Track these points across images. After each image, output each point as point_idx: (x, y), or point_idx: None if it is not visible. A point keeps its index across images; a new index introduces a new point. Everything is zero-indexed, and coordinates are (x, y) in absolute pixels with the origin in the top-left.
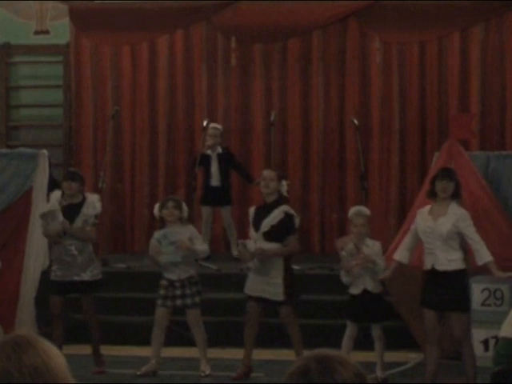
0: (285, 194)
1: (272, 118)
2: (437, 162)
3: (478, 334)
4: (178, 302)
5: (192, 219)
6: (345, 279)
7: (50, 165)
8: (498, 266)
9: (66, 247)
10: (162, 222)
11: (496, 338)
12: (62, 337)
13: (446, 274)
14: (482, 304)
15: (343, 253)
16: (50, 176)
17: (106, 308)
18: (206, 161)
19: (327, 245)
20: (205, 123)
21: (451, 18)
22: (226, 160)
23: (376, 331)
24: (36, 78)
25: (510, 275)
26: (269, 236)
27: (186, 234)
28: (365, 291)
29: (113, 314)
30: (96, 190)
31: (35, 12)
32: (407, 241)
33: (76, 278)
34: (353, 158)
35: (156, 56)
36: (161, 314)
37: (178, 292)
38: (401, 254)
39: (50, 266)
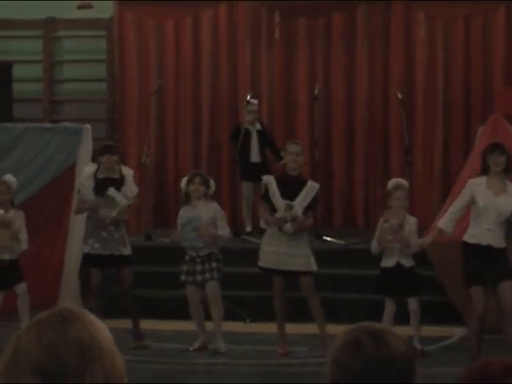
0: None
1: (316, 92)
2: (481, 136)
3: None
4: (199, 277)
5: (235, 195)
6: (374, 249)
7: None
8: None
9: (101, 221)
10: (187, 197)
11: None
12: (102, 310)
13: (498, 250)
14: None
15: (385, 225)
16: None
17: (148, 282)
18: (246, 136)
19: (371, 219)
20: (248, 97)
21: None
22: (265, 136)
23: (413, 305)
24: (80, 53)
25: None
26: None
27: (209, 212)
28: (398, 264)
29: (154, 289)
30: (140, 164)
31: None
32: (454, 210)
33: (116, 253)
34: (397, 132)
35: (199, 30)
36: (190, 291)
37: (199, 268)
38: (446, 223)
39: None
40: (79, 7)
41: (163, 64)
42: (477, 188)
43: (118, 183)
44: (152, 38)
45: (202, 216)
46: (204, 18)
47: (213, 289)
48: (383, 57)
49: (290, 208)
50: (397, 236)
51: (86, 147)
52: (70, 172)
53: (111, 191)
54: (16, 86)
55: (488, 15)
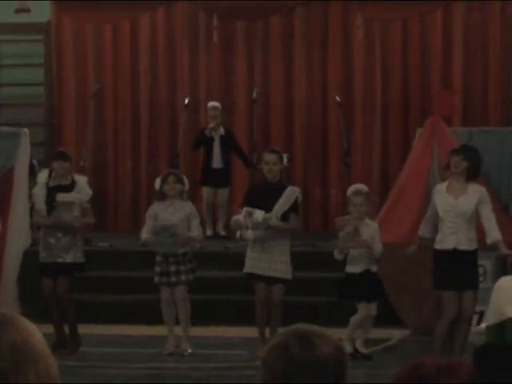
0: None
1: (254, 94)
2: (419, 138)
3: None
4: (173, 278)
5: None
6: (338, 256)
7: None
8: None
9: (51, 230)
10: (162, 196)
11: (480, 313)
12: (58, 317)
13: (465, 253)
14: None
15: (341, 233)
16: None
17: (89, 287)
18: (208, 142)
19: (310, 221)
20: (186, 101)
21: None
22: (228, 141)
23: (373, 308)
24: (17, 57)
25: None
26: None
27: (184, 212)
28: (366, 270)
29: (96, 293)
30: (78, 168)
31: None
32: (426, 217)
33: (59, 260)
34: (336, 135)
35: (137, 34)
36: (164, 292)
37: (173, 268)
38: (422, 231)
39: (33, 245)
40: (17, 11)
41: (101, 67)
42: (436, 196)
43: (69, 189)
44: (90, 42)
45: (176, 214)
46: (142, 21)
47: (181, 292)
48: (321, 59)
49: (249, 215)
50: (355, 241)
51: (24, 151)
52: (7, 176)
53: (60, 196)
54: None
55: (425, 17)
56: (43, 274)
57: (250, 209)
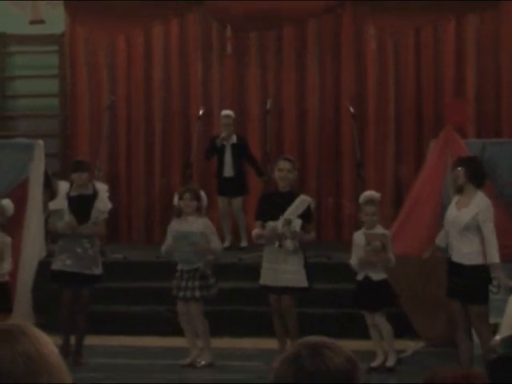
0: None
1: (268, 105)
2: (433, 150)
3: None
4: (188, 293)
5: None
6: (356, 267)
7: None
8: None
9: (77, 238)
10: (179, 212)
11: (494, 325)
12: (70, 327)
13: (462, 266)
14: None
15: (368, 247)
16: None
17: (102, 298)
18: (220, 150)
19: (323, 232)
20: (200, 112)
21: (446, 5)
22: (241, 150)
23: (378, 319)
24: (31, 68)
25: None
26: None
27: (199, 227)
28: (366, 278)
29: (109, 305)
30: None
31: (30, 2)
32: (444, 226)
33: (87, 272)
34: (349, 146)
35: (151, 45)
36: (179, 306)
37: (184, 284)
38: (440, 239)
39: (48, 256)
40: (31, 22)
41: (115, 79)
42: (448, 207)
43: (91, 199)
44: (103, 53)
45: (191, 229)
46: (155, 33)
47: (195, 308)
48: (334, 70)
49: (288, 223)
50: (380, 257)
51: (39, 163)
52: (22, 188)
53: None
54: None
55: (438, 27)
56: (64, 283)
57: (288, 217)
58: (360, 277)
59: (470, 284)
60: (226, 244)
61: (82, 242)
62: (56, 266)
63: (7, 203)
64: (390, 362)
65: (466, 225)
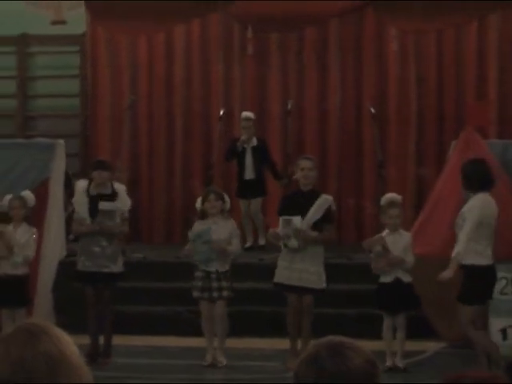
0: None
1: (289, 106)
2: (454, 150)
3: (496, 323)
4: (215, 294)
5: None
6: (375, 270)
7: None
8: None
9: (95, 238)
10: (203, 214)
11: (503, 330)
12: (96, 328)
13: (463, 266)
14: (500, 293)
15: (371, 254)
16: None
17: (123, 298)
18: (240, 152)
19: (344, 233)
20: (221, 112)
21: (468, 5)
22: (261, 152)
23: (401, 320)
24: (53, 68)
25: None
26: (314, 225)
27: (227, 230)
28: (396, 280)
29: (129, 304)
30: (113, 179)
31: (52, 2)
32: None
33: (105, 270)
34: (370, 147)
35: (172, 45)
36: (204, 307)
37: (215, 284)
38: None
39: (68, 256)
40: (53, 23)
41: (136, 79)
42: None
43: (111, 198)
44: (125, 54)
45: (219, 231)
46: (176, 34)
47: (222, 308)
48: (355, 71)
49: (287, 223)
50: (387, 258)
51: (60, 163)
52: (43, 188)
53: (102, 205)
54: None
55: (460, 28)
56: (85, 283)
57: (287, 217)
58: (389, 279)
59: (463, 283)
60: (248, 244)
61: (100, 241)
62: (78, 266)
63: (28, 194)
64: (402, 363)
65: (458, 226)
